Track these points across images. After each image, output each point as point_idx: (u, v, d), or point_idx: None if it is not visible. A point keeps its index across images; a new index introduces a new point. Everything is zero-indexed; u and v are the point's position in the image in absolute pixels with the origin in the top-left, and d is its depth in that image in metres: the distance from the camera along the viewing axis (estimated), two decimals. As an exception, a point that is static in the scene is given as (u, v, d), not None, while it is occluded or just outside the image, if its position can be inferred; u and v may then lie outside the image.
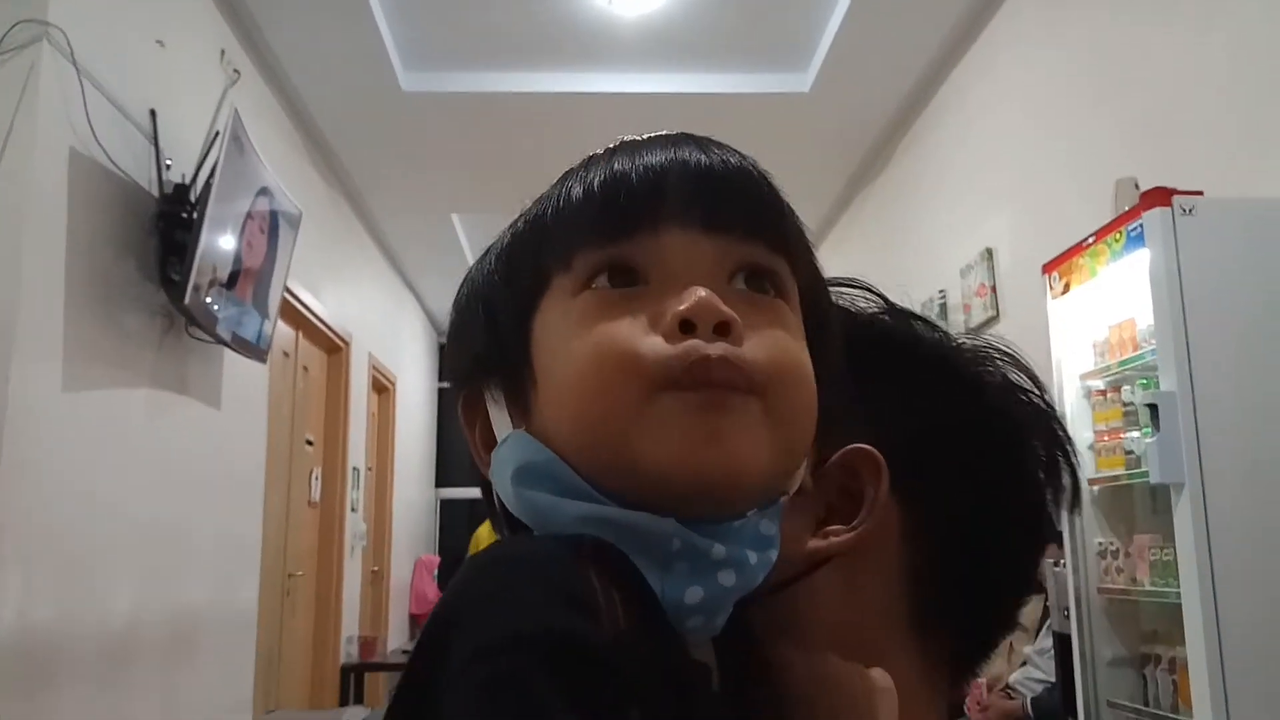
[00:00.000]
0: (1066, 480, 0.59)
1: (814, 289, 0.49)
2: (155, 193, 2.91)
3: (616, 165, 0.46)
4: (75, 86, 2.50)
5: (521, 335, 0.46)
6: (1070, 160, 3.22)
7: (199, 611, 3.27)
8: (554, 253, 0.46)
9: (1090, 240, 2.37)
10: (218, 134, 3.03)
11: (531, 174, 0.56)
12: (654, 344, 0.42)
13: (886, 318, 0.61)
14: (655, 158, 0.46)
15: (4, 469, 2.21)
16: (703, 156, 0.46)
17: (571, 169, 0.48)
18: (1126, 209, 2.27)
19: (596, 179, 0.46)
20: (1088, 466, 2.55)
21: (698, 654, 0.43)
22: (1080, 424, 2.59)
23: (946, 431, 0.57)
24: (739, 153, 0.48)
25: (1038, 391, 0.60)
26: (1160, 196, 2.11)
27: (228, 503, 3.55)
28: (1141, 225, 2.14)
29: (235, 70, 3.52)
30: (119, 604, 2.75)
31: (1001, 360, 0.61)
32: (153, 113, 2.91)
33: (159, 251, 2.91)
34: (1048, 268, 2.64)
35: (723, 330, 0.42)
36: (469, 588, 0.39)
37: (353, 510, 5.35)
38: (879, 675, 0.48)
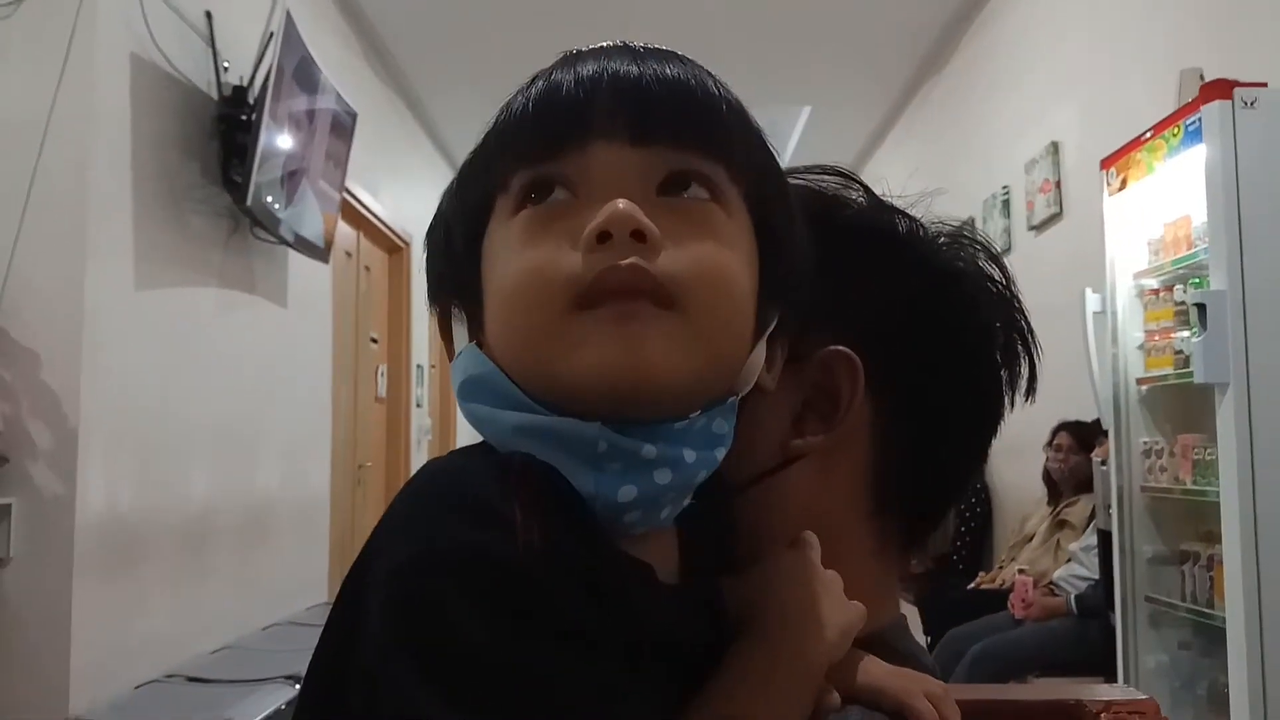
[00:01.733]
0: (1024, 369, 0.61)
1: (764, 191, 0.49)
2: (215, 95, 2.97)
3: (550, 81, 0.47)
4: (132, -9, 2.54)
5: (472, 256, 0.48)
6: (1139, 50, 3.08)
7: (273, 499, 3.46)
8: (495, 173, 0.47)
9: (1148, 134, 2.30)
10: (272, 35, 3.06)
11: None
12: (571, 261, 0.43)
13: (866, 208, 0.62)
14: (585, 70, 0.46)
15: (84, 367, 2.34)
16: (633, 68, 0.46)
17: (525, 83, 0.49)
18: (1189, 101, 2.20)
19: (531, 96, 0.47)
20: (1136, 366, 2.53)
21: (641, 550, 0.45)
22: (1132, 323, 2.55)
23: (919, 326, 0.59)
24: (680, 60, 0.48)
25: (1005, 281, 0.62)
26: (1221, 89, 2.03)
27: (297, 397, 3.70)
28: (1200, 118, 2.07)
29: (288, -31, 3.52)
30: (197, 492, 2.92)
31: (974, 250, 0.62)
32: (208, 14, 2.95)
33: (221, 153, 2.99)
34: (1105, 163, 2.57)
35: (640, 239, 0.43)
36: (392, 511, 0.42)
37: (418, 405, 5.52)
38: (834, 577, 0.51)
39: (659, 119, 0.45)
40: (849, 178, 0.63)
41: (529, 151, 0.46)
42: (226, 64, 3.00)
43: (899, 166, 5.72)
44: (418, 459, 5.50)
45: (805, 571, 0.51)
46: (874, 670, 0.50)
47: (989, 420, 0.61)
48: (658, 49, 0.48)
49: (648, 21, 4.32)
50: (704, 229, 0.45)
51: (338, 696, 0.42)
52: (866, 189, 0.63)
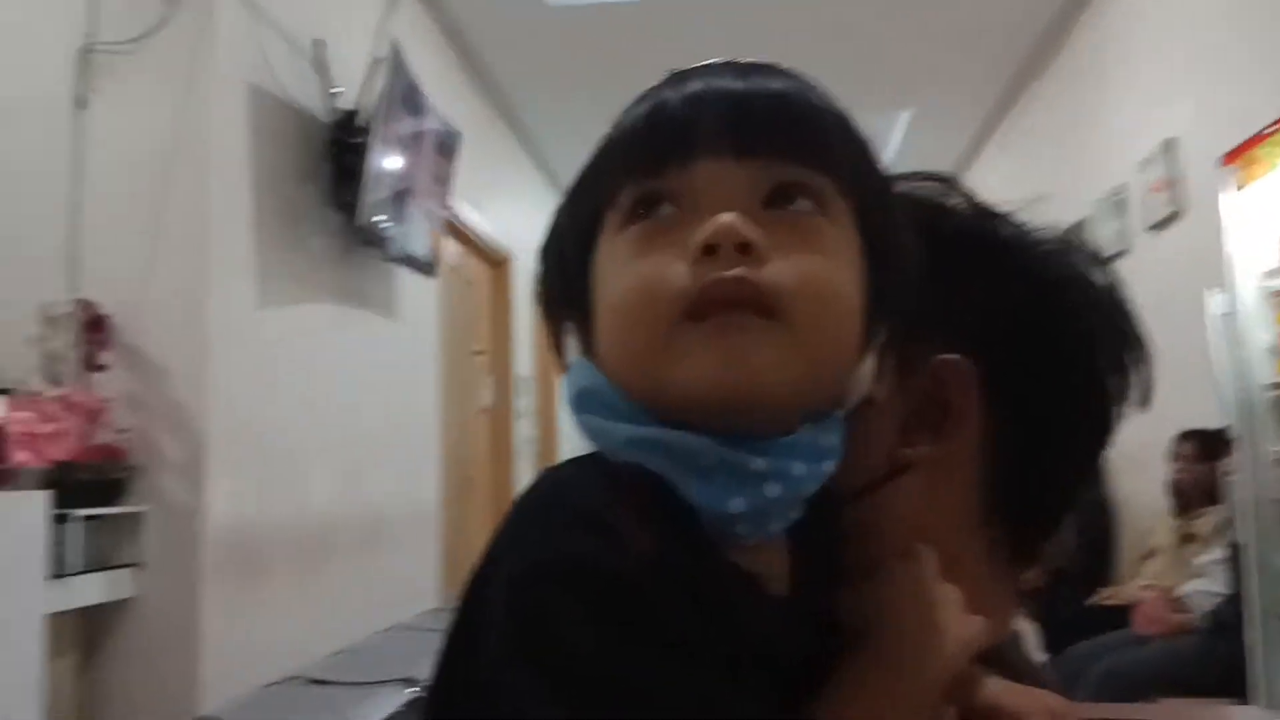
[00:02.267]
0: (1135, 377, 0.60)
1: (871, 203, 0.49)
2: (327, 120, 3.10)
3: (657, 99, 0.48)
4: (247, 23, 2.67)
5: (583, 270, 0.49)
6: (1259, 40, 2.94)
7: (387, 507, 3.57)
8: (604, 189, 0.49)
9: (1271, 129, 2.19)
10: (379, 61, 3.18)
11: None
12: (678, 274, 0.44)
13: (969, 214, 0.61)
14: (690, 87, 0.47)
15: (209, 382, 2.46)
16: (737, 84, 0.47)
17: (633, 101, 0.50)
18: (1318, 90, 2.09)
19: (639, 115, 0.48)
20: (1265, 369, 2.40)
21: (750, 561, 0.46)
22: (1259, 325, 2.43)
23: (1023, 334, 0.58)
24: (786, 74, 0.49)
25: (1111, 287, 0.60)
26: (1354, 75, 1.92)
27: (407, 409, 3.81)
28: (1331, 109, 1.96)
29: (394, -5, 3.65)
30: (315, 500, 3.04)
31: (1079, 255, 0.61)
32: (319, 43, 3.08)
33: (334, 176, 3.11)
34: (1227, 159, 2.46)
35: (745, 251, 0.43)
36: (508, 521, 0.44)
37: (521, 416, 5.62)
38: (952, 591, 0.50)
39: (763, 133, 0.46)
40: (951, 184, 0.63)
41: (637, 167, 0.47)
42: (338, 89, 3.12)
43: (1005, 169, 5.57)
44: (521, 468, 5.59)
45: (922, 584, 0.50)
46: (992, 687, 0.50)
47: (1097, 429, 0.60)
48: (763, 64, 0.49)
49: (745, 31, 4.32)
50: (810, 241, 0.46)
51: (461, 702, 0.43)
52: (968, 195, 0.63)
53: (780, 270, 0.44)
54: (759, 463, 0.44)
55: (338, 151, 3.11)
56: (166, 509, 2.40)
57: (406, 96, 3.28)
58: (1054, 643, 3.59)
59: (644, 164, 0.47)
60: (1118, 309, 0.60)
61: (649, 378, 0.45)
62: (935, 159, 6.00)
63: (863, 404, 0.51)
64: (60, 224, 2.45)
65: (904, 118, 5.72)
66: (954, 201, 0.62)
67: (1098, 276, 0.61)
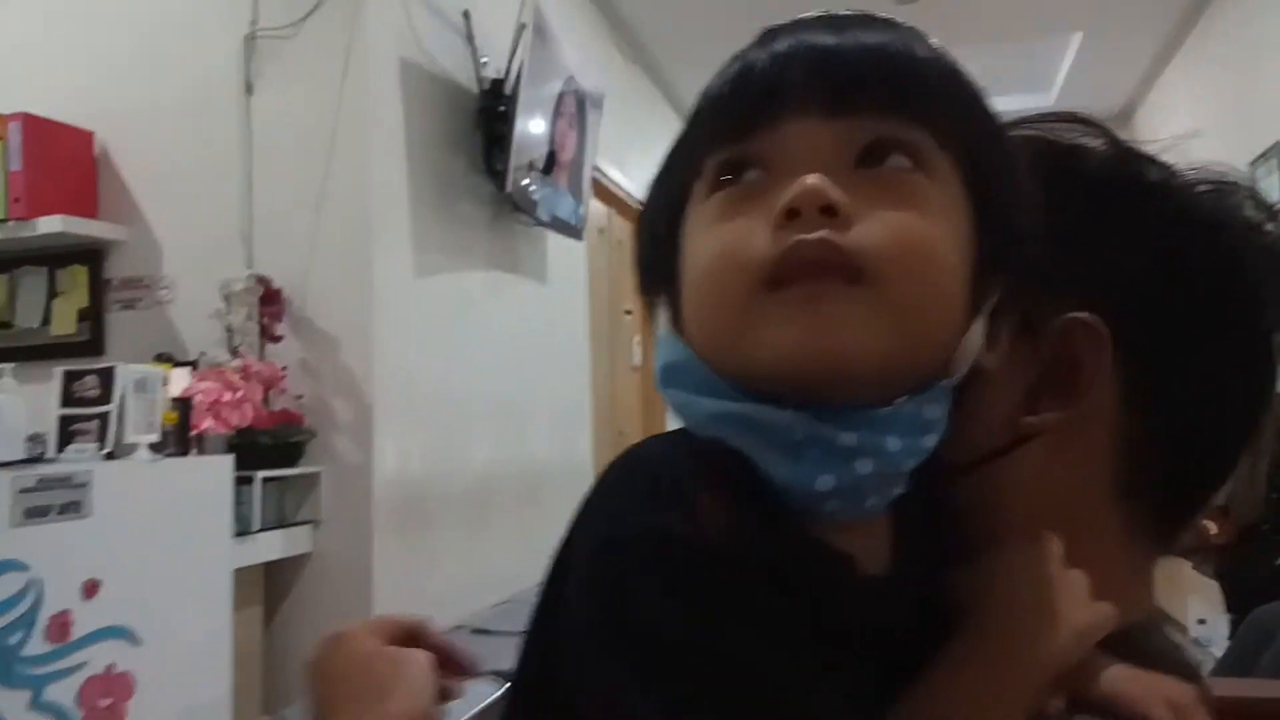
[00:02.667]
0: None
1: (980, 156, 0.46)
2: (475, 90, 3.17)
3: (745, 60, 0.46)
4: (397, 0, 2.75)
5: (672, 241, 0.48)
6: None
7: (543, 464, 3.68)
8: (692, 157, 0.47)
9: None
10: (524, 26, 3.21)
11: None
12: (761, 241, 0.42)
13: (1108, 156, 0.56)
14: (779, 46, 0.45)
15: (374, 349, 2.59)
16: (828, 38, 0.44)
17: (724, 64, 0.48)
18: None
19: (726, 77, 0.46)
20: None
21: (845, 540, 0.44)
22: None
23: (1172, 286, 0.53)
24: (885, 24, 0.46)
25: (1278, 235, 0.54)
26: None
27: (560, 369, 3.91)
28: None
29: (536, -40, 3.67)
30: (478, 458, 3.17)
31: (1245, 200, 0.55)
32: (466, 14, 3.14)
33: (483, 144, 3.18)
34: None
35: (830, 213, 0.41)
36: (591, 493, 0.44)
37: (674, 372, 5.65)
38: (1076, 576, 0.47)
39: (854, 87, 0.43)
40: (1091, 124, 0.57)
41: (723, 132, 0.45)
42: (485, 59, 3.18)
43: (1186, 97, 5.14)
44: (672, 422, 5.64)
45: (1041, 565, 0.47)
46: (1111, 674, 0.46)
47: (1259, 392, 0.54)
48: (861, 15, 0.46)
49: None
50: (905, 200, 0.43)
51: (549, 669, 0.44)
52: (1112, 135, 0.57)
53: (869, 231, 0.41)
54: (848, 438, 0.42)
55: (486, 120, 3.18)
56: (340, 469, 2.55)
57: (550, 59, 3.31)
58: (1241, 603, 3.36)
59: (729, 128, 0.45)
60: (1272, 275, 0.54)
61: (730, 350, 0.43)
62: (1108, 87, 5.60)
63: (976, 372, 0.48)
64: (234, 205, 2.62)
65: (1074, 40, 5.36)
66: (1093, 143, 0.57)
67: (1263, 222, 0.55)
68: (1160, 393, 0.53)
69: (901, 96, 0.44)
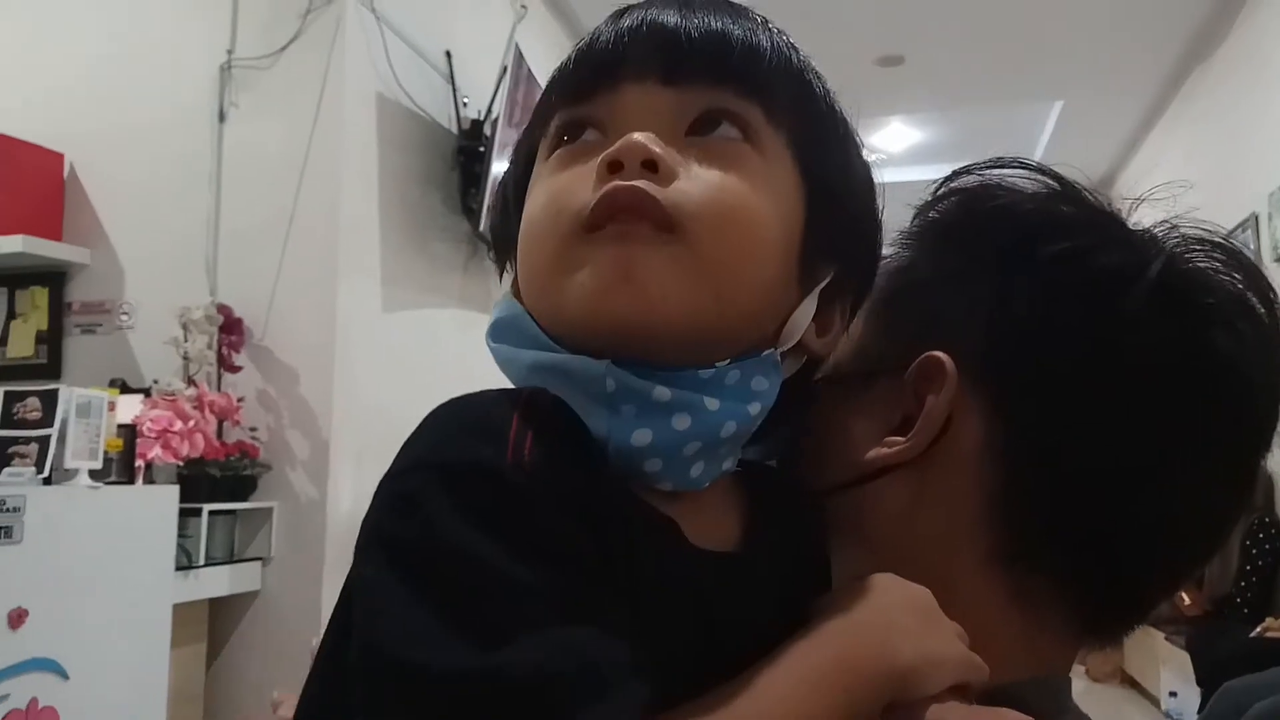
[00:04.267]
0: (1243, 411, 0.50)
1: (813, 139, 0.47)
2: (454, 129, 3.17)
3: (594, 32, 0.47)
4: (378, 35, 2.76)
5: (519, 206, 0.47)
6: None
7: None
8: (538, 122, 0.48)
9: None
10: (505, 69, 3.23)
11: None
12: (586, 190, 0.42)
13: (1019, 197, 0.54)
14: (626, 20, 0.46)
15: (335, 382, 2.55)
16: (672, 15, 0.45)
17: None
18: None
19: (576, 47, 0.47)
20: None
21: (678, 510, 0.43)
22: None
23: (1042, 338, 0.50)
24: (731, 9, 0.47)
25: (1210, 306, 0.50)
26: None
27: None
28: None
29: (523, 5, 3.70)
30: (438, 500, 3.11)
31: (1205, 259, 0.51)
32: (448, 54, 3.15)
33: (460, 183, 3.18)
34: None
35: (652, 169, 0.41)
36: (408, 437, 0.41)
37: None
38: (920, 592, 0.44)
39: (690, 59, 0.45)
40: (1036, 170, 0.55)
41: (567, 95, 0.46)
42: (466, 99, 3.19)
43: (1168, 162, 5.20)
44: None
45: (903, 590, 0.44)
46: (941, 708, 0.41)
47: (1177, 470, 0.50)
48: (712, 0, 0.47)
49: (890, 18, 4.20)
50: (729, 166, 0.44)
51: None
52: (1054, 182, 0.55)
53: (687, 187, 0.42)
54: (663, 392, 0.41)
55: (465, 159, 3.17)
56: (293, 505, 2.50)
57: (529, 102, 3.32)
58: (1213, 676, 3.31)
59: (572, 91, 0.46)
60: (1215, 323, 0.50)
61: (547, 296, 0.43)
62: (1089, 151, 5.67)
63: (840, 397, 0.48)
64: (201, 232, 2.59)
65: (1055, 109, 5.43)
66: (1026, 186, 0.55)
67: (1227, 279, 0.51)
68: (1023, 456, 0.50)
69: (735, 71, 0.45)
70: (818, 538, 0.50)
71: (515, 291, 0.47)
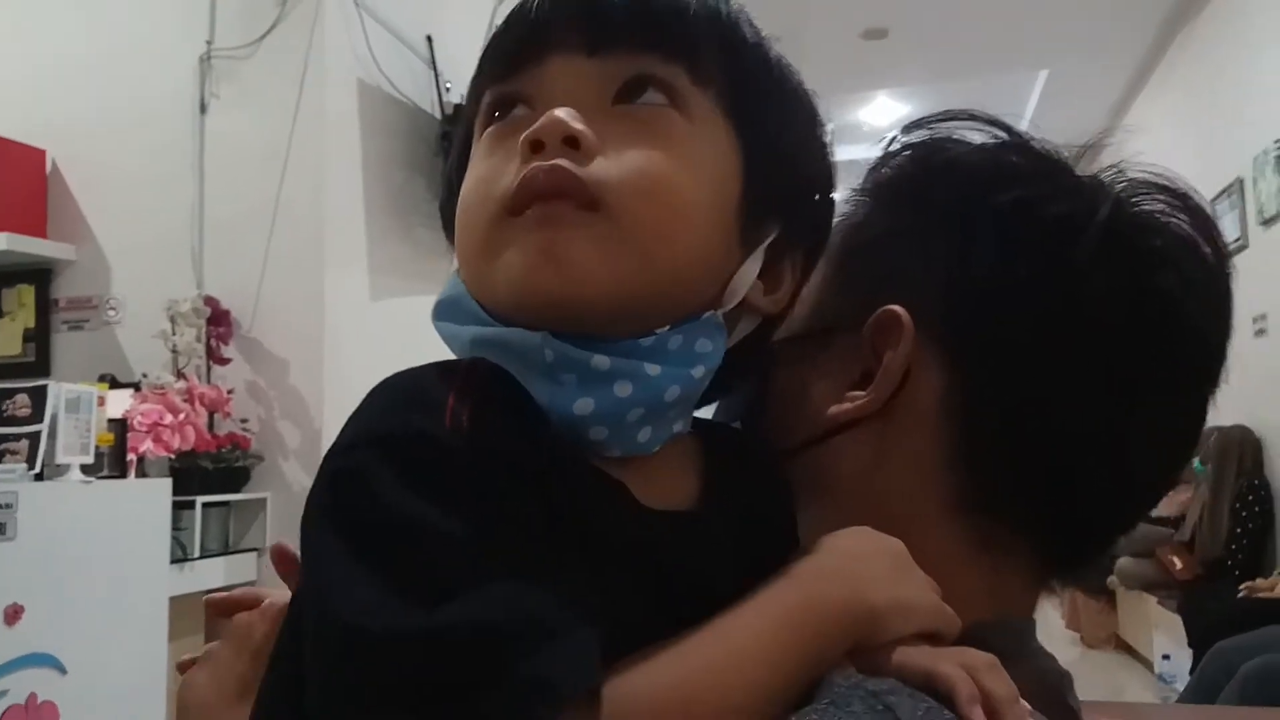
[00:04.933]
0: (1189, 349, 0.51)
1: (746, 96, 0.46)
2: (437, 114, 3.15)
3: (520, 3, 0.47)
4: (357, 21, 2.74)
5: (460, 185, 0.48)
6: None
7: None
8: (474, 98, 0.48)
9: None
10: (487, 52, 3.21)
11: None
12: (509, 173, 0.43)
13: (971, 149, 0.54)
14: None
15: (325, 372, 2.55)
16: None
17: None
18: None
19: (506, 19, 0.47)
20: None
21: (628, 475, 0.43)
22: None
23: (995, 288, 0.51)
24: None
25: (1190, 244, 0.51)
26: None
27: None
28: None
29: (502, -13, 3.69)
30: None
31: (1152, 202, 0.52)
32: (429, 39, 3.13)
33: (444, 168, 3.17)
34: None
35: (574, 144, 0.42)
36: (351, 413, 0.42)
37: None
38: (893, 542, 0.45)
39: (612, 26, 0.44)
40: (989, 122, 0.56)
41: (496, 71, 0.47)
42: (448, 84, 3.17)
43: (1153, 128, 5.20)
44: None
45: (877, 539, 0.45)
46: (904, 649, 0.42)
47: (1129, 414, 0.51)
48: None
49: (878, 2, 4.19)
50: (655, 134, 0.44)
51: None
52: (1005, 134, 0.55)
53: (609, 163, 0.42)
54: (601, 360, 0.42)
55: (448, 144, 3.16)
56: (287, 495, 2.50)
57: (513, 86, 3.31)
58: (1199, 638, 3.35)
59: (500, 67, 0.46)
60: (1163, 265, 0.51)
61: (478, 275, 0.44)
62: (1075, 119, 5.65)
63: (802, 356, 0.49)
64: (185, 225, 2.59)
65: (1040, 78, 5.43)
66: (963, 143, 0.55)
67: (1177, 224, 0.52)
68: (983, 405, 0.51)
69: (658, 35, 0.45)
70: (782, 496, 0.51)
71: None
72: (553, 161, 0.41)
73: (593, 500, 0.41)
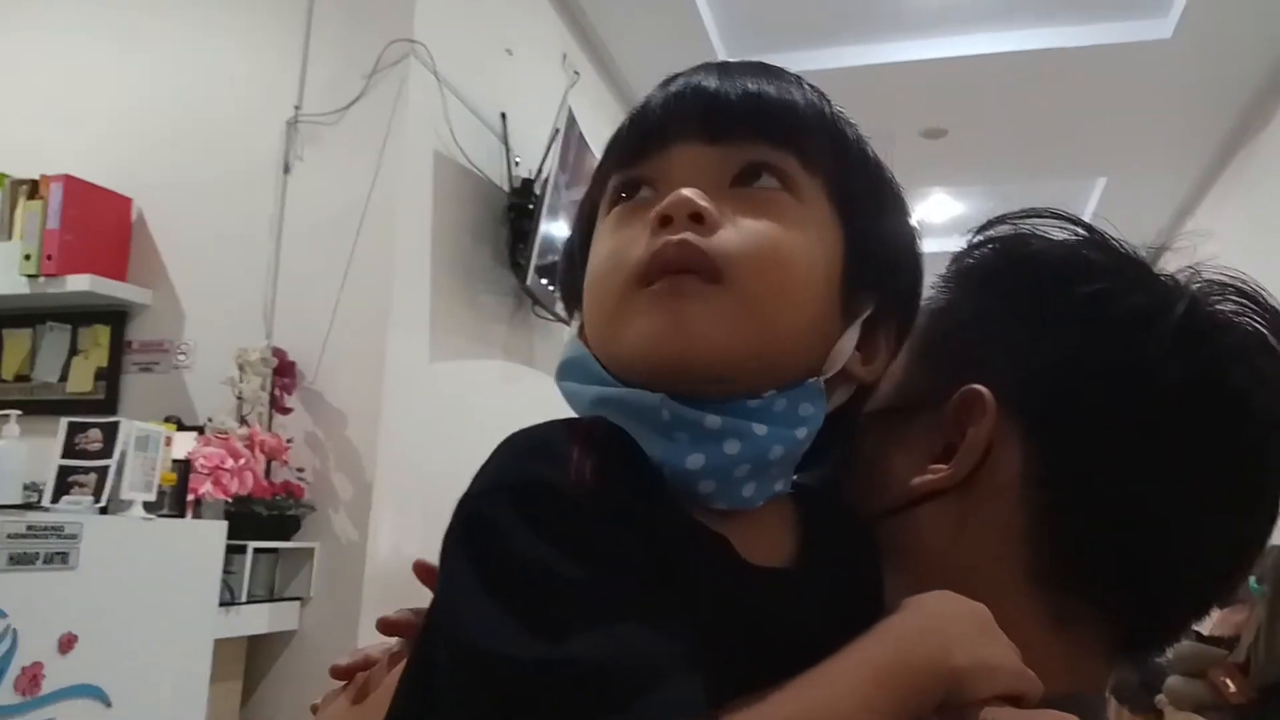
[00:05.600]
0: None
1: (847, 181, 0.51)
2: (506, 187, 3.26)
3: (646, 99, 0.52)
4: (437, 96, 2.86)
5: (584, 258, 0.52)
6: None
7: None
8: (598, 183, 0.53)
9: None
10: (557, 131, 3.33)
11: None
12: (641, 244, 0.47)
13: (1053, 244, 0.58)
14: (673, 86, 0.51)
15: (381, 428, 2.60)
16: (713, 80, 0.50)
17: None
18: None
19: (630, 115, 0.52)
20: None
21: (727, 527, 0.46)
22: None
23: (1075, 373, 0.53)
24: (768, 71, 0.52)
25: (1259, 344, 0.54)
26: None
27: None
28: None
29: (575, 72, 3.83)
30: (474, 549, 3.13)
31: (1226, 302, 0.55)
32: (503, 115, 3.26)
33: (509, 239, 3.26)
34: None
35: (698, 220, 0.46)
36: (482, 463, 0.46)
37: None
38: (979, 606, 0.46)
39: (731, 117, 0.49)
40: (1068, 220, 0.59)
41: (622, 157, 0.52)
42: (518, 159, 3.29)
43: (1218, 236, 5.17)
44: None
45: (962, 602, 0.46)
46: (992, 711, 0.43)
47: (1200, 498, 0.53)
48: (749, 63, 0.52)
49: (942, 95, 4.27)
50: (769, 213, 0.48)
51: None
52: (1084, 226, 0.59)
53: (730, 236, 0.46)
54: (713, 420, 0.45)
55: (514, 216, 3.26)
56: (334, 546, 2.53)
57: (580, 165, 3.41)
58: (1257, 764, 3.20)
59: (627, 153, 0.51)
60: (1217, 367, 0.53)
61: (609, 341, 0.48)
62: (1134, 227, 5.65)
63: (887, 426, 0.52)
64: (260, 278, 2.68)
65: (1099, 185, 5.46)
66: (1047, 238, 0.59)
67: (1251, 325, 0.55)
68: (1062, 483, 0.53)
69: (771, 126, 0.50)
70: (870, 559, 0.53)
71: (581, 335, 0.52)
72: (680, 235, 0.46)
73: (698, 551, 0.45)
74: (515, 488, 0.42)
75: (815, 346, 0.49)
